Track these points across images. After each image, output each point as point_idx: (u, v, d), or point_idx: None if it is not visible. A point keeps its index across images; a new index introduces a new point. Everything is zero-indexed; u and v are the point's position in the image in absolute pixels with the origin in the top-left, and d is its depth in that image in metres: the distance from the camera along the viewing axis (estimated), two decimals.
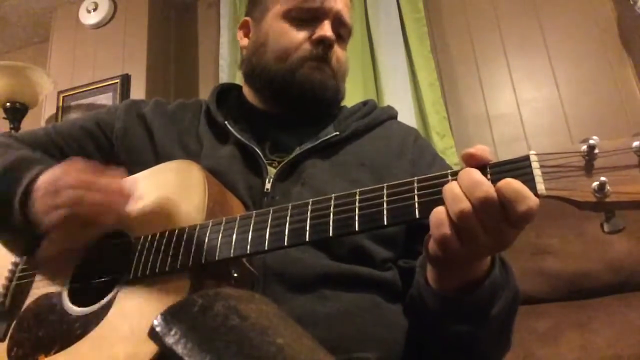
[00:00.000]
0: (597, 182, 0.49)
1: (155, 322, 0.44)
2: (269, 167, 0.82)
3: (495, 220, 0.51)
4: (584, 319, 1.44)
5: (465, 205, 0.51)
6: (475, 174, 0.52)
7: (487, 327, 0.64)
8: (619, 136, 0.51)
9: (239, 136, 0.85)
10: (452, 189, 0.53)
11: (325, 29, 0.88)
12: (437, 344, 0.70)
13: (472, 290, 0.61)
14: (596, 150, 0.50)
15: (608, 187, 0.48)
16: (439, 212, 0.53)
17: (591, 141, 0.50)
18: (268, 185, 0.79)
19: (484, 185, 0.51)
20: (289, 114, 0.93)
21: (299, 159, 0.83)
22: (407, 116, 1.97)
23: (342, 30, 0.93)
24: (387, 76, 2.11)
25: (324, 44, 0.87)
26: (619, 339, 1.37)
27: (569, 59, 2.05)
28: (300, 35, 0.89)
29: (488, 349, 0.69)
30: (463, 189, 0.52)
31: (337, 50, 0.91)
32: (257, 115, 0.93)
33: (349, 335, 0.70)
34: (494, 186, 0.51)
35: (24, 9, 2.77)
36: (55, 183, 0.68)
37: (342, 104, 1.06)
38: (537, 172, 0.51)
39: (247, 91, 0.98)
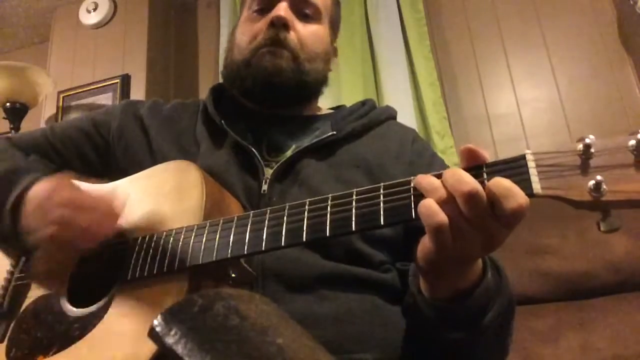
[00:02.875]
0: (593, 181, 0.49)
1: (155, 322, 0.44)
2: (265, 168, 0.81)
3: (482, 217, 0.51)
4: (584, 319, 1.44)
5: (442, 193, 0.51)
6: (461, 172, 0.52)
7: (481, 334, 0.64)
8: (614, 135, 0.50)
9: (236, 136, 0.84)
10: (429, 181, 0.53)
11: (278, 10, 0.87)
12: (432, 350, 0.70)
13: (465, 298, 0.60)
14: (592, 149, 0.49)
15: (604, 186, 0.48)
16: (428, 202, 0.53)
17: (587, 140, 0.49)
18: (265, 187, 0.79)
19: (469, 182, 0.50)
20: (281, 111, 0.92)
21: (295, 159, 0.83)
22: (407, 116, 1.97)
23: (306, 9, 0.91)
24: (387, 76, 2.11)
25: (275, 25, 0.87)
26: (619, 339, 1.36)
27: (569, 59, 2.05)
28: (258, 24, 0.90)
29: (484, 355, 0.68)
30: (448, 186, 0.52)
31: (301, 29, 0.90)
32: (252, 115, 0.93)
33: (348, 336, 0.70)
34: (486, 185, 0.51)
35: (24, 9, 2.77)
36: (46, 199, 0.68)
37: (341, 103, 1.06)
38: (532, 172, 0.51)
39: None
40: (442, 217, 0.51)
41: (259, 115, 0.92)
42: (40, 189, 0.70)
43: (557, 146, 0.52)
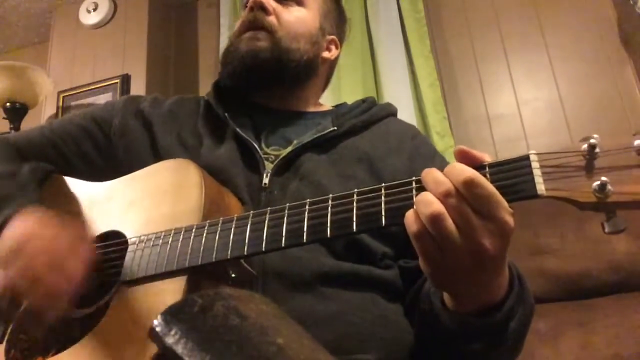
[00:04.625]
0: (598, 182, 0.48)
1: (155, 322, 0.44)
2: (266, 162, 0.82)
3: (464, 212, 0.50)
4: (584, 319, 1.44)
5: (446, 186, 0.50)
6: (461, 164, 0.52)
7: (502, 344, 0.63)
8: (618, 136, 0.50)
9: (238, 130, 0.84)
10: (434, 176, 0.52)
11: None
12: (446, 358, 0.69)
13: (491, 313, 0.59)
14: (597, 150, 0.49)
15: (609, 187, 0.48)
16: (425, 193, 0.52)
17: (592, 140, 0.49)
18: (266, 180, 0.79)
19: (469, 170, 0.50)
20: (276, 103, 0.94)
21: (296, 154, 0.83)
22: (407, 116, 1.97)
23: None
24: (387, 76, 2.11)
25: (253, 10, 0.90)
26: (619, 339, 1.36)
27: (569, 59, 2.05)
28: (243, 14, 0.94)
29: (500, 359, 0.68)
30: (451, 179, 0.51)
31: (281, 12, 0.92)
32: (254, 109, 0.93)
33: (349, 335, 0.69)
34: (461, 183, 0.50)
35: (24, 9, 2.77)
36: (9, 254, 0.64)
37: (342, 101, 1.06)
38: (537, 172, 0.50)
39: None
40: (438, 206, 0.50)
41: (260, 110, 0.93)
42: (13, 232, 0.67)
43: (558, 146, 0.52)
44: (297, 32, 0.91)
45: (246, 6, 0.94)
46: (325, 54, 0.98)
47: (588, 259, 1.50)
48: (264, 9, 0.90)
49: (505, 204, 0.50)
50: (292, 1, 0.94)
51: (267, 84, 0.92)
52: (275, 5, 0.92)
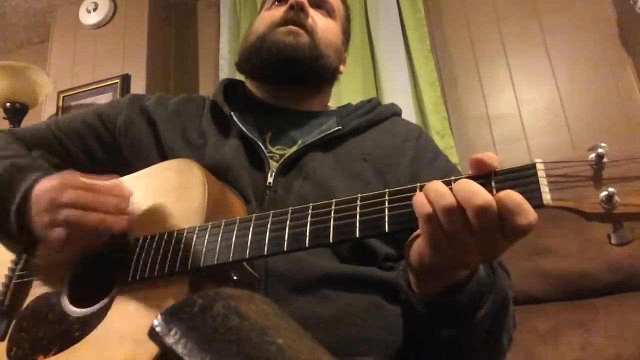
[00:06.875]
0: (605, 193, 0.47)
1: (155, 322, 0.44)
2: (270, 161, 0.82)
3: (490, 230, 0.49)
4: (584, 319, 1.44)
5: (449, 201, 0.49)
6: (472, 184, 0.50)
7: (474, 331, 0.63)
8: (619, 136, 0.50)
9: (243, 128, 0.85)
10: (436, 188, 0.51)
11: None
12: (427, 347, 0.69)
13: (455, 293, 0.60)
14: (605, 159, 0.48)
15: (616, 198, 0.47)
16: (419, 196, 0.52)
17: (600, 150, 0.48)
18: (270, 179, 0.80)
19: (482, 195, 0.48)
20: (287, 102, 0.94)
21: (301, 153, 0.83)
22: (407, 116, 1.96)
23: (322, 4, 0.97)
24: (387, 76, 2.11)
25: (293, 8, 0.91)
26: (619, 339, 1.37)
27: (569, 59, 2.05)
28: (277, 11, 0.94)
29: (478, 352, 0.68)
30: (458, 198, 0.50)
31: (317, 17, 0.95)
32: (260, 108, 0.94)
33: (351, 337, 0.70)
34: (495, 196, 0.49)
35: (24, 9, 2.77)
36: (54, 198, 0.66)
37: (341, 103, 1.07)
38: (543, 182, 0.49)
39: (247, 83, 1.01)
40: (452, 199, 0.50)
41: (265, 109, 0.94)
42: (45, 188, 0.69)
43: (557, 146, 0.52)
44: (330, 41, 0.95)
45: (277, 1, 0.97)
46: (341, 68, 1.02)
47: (588, 259, 1.51)
48: (303, 10, 0.92)
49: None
50: (324, 11, 0.97)
51: (295, 81, 0.93)
52: (312, 10, 0.94)
